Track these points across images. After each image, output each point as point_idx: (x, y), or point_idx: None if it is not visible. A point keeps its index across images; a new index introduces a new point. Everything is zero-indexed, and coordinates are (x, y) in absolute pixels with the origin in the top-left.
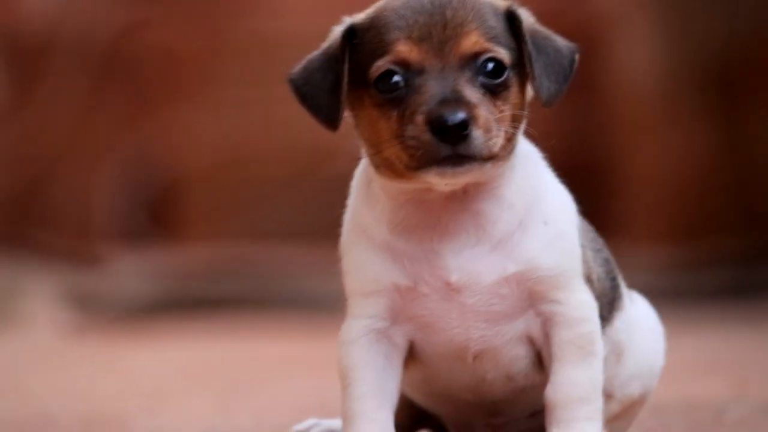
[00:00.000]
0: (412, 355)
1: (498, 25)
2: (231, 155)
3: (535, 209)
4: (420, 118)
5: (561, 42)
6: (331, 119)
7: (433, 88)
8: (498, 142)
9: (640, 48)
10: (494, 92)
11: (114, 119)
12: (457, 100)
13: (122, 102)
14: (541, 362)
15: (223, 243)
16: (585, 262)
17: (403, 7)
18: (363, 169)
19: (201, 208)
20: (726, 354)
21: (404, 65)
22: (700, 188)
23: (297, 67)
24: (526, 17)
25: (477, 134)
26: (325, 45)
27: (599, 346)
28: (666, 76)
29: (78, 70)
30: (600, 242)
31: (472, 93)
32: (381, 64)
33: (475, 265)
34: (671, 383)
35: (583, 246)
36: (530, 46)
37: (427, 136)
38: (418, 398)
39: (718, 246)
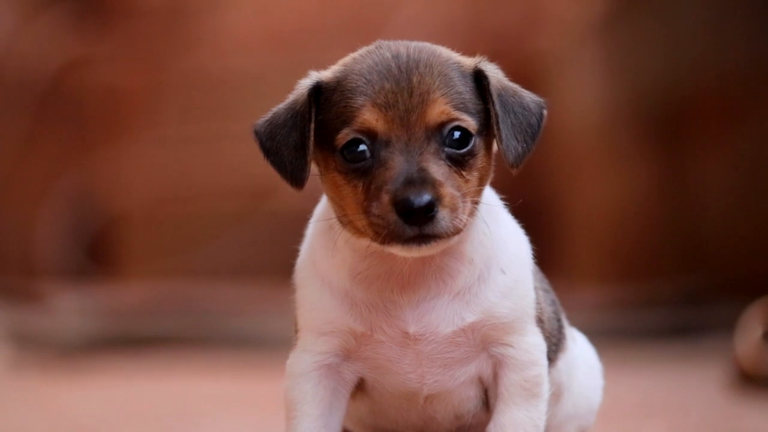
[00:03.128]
0: (360, 388)
1: (465, 89)
2: (172, 193)
3: (493, 261)
4: (386, 198)
5: (529, 98)
6: (296, 178)
7: (399, 164)
8: (464, 219)
9: (583, 87)
10: (461, 162)
11: (55, 156)
12: (422, 180)
13: (64, 139)
14: (488, 401)
15: (163, 281)
16: (537, 303)
17: (369, 71)
18: (323, 212)
19: (141, 246)
20: (664, 395)
21: (370, 135)
22: (640, 228)
23: (262, 120)
24: (494, 74)
25: (443, 214)
26: (290, 99)
27: (545, 389)
28: (608, 116)
29: (19, 107)
30: (547, 283)
31: (437, 169)
32: (347, 133)
33: (433, 316)
34: (609, 423)
35: (535, 288)
36: (498, 108)
37: (392, 217)
38: (359, 430)
39: (658, 286)
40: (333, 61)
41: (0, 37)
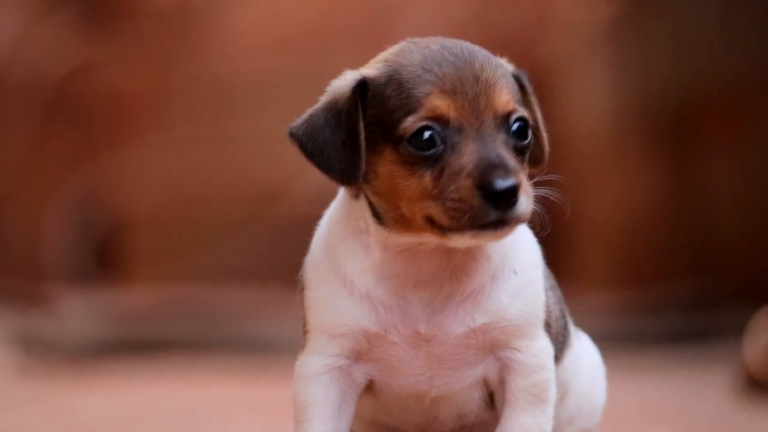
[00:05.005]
0: (366, 388)
1: (515, 86)
2: (179, 196)
3: (507, 260)
4: (468, 182)
5: None
6: (349, 175)
7: (476, 150)
8: (530, 205)
9: (592, 91)
10: (522, 154)
11: (62, 159)
12: (504, 164)
13: (71, 142)
14: (491, 401)
15: (171, 284)
16: (546, 306)
17: (426, 61)
18: (347, 217)
19: (149, 250)
20: (671, 401)
21: (441, 121)
22: (649, 232)
23: (298, 122)
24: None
25: (522, 200)
26: (326, 99)
27: (552, 393)
28: (617, 120)
29: (27, 111)
30: (553, 279)
31: (510, 157)
32: (414, 120)
33: (444, 316)
34: (616, 429)
35: (545, 290)
36: (539, 111)
37: (476, 201)
38: (360, 427)
39: (666, 291)
40: (341, 65)
41: (6, 41)
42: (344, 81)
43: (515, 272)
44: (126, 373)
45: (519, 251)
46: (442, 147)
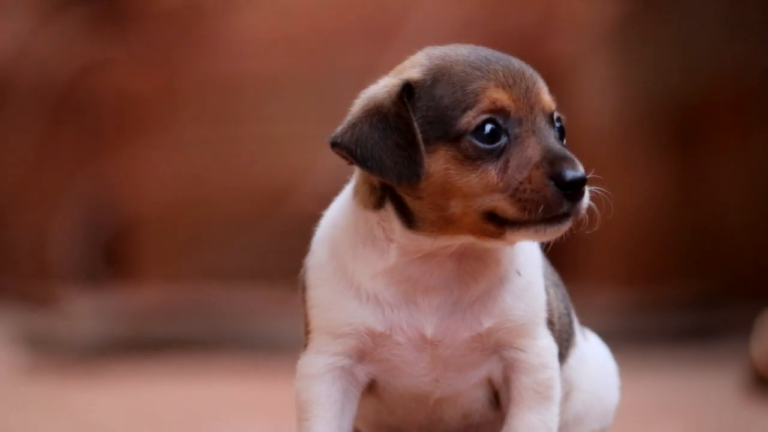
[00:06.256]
0: (369, 388)
1: None
2: (187, 196)
3: (512, 262)
4: (540, 172)
5: None
6: (408, 175)
7: (539, 142)
8: (587, 201)
9: (598, 90)
10: None
11: (70, 159)
12: (570, 157)
13: (79, 142)
14: (496, 400)
15: (178, 284)
16: (548, 304)
17: (471, 59)
18: (356, 225)
19: (157, 249)
20: (679, 398)
21: (502, 113)
22: (656, 231)
23: (338, 132)
24: None
25: (585, 194)
26: (366, 105)
27: (557, 391)
28: (623, 119)
29: (35, 110)
30: (557, 277)
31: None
32: (475, 114)
33: (452, 321)
34: (624, 426)
35: (546, 287)
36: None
37: (550, 191)
38: (364, 427)
39: (673, 289)
40: (349, 65)
41: (15, 41)
42: (384, 86)
43: (519, 273)
44: (133, 372)
45: (521, 251)
46: (506, 139)
